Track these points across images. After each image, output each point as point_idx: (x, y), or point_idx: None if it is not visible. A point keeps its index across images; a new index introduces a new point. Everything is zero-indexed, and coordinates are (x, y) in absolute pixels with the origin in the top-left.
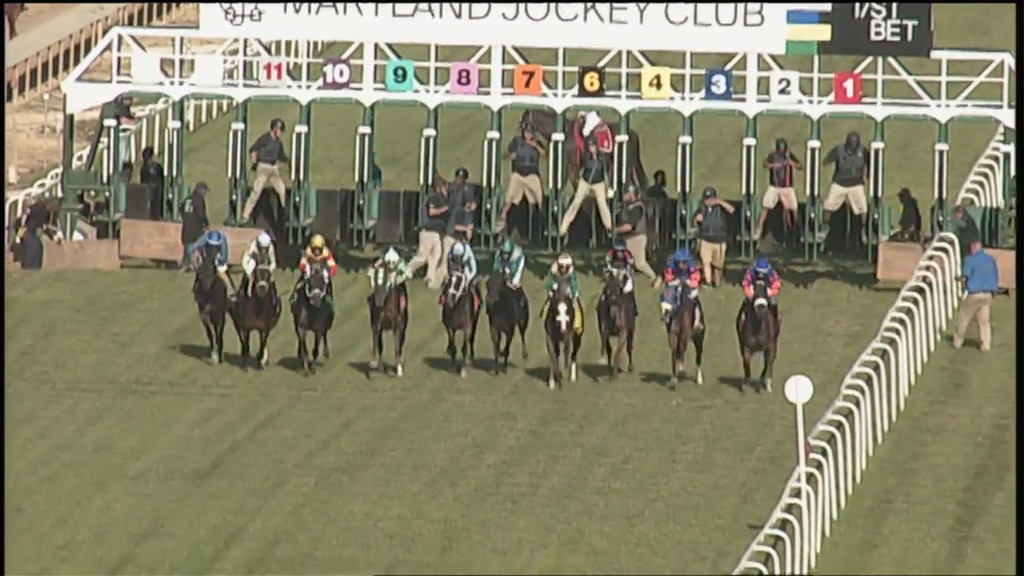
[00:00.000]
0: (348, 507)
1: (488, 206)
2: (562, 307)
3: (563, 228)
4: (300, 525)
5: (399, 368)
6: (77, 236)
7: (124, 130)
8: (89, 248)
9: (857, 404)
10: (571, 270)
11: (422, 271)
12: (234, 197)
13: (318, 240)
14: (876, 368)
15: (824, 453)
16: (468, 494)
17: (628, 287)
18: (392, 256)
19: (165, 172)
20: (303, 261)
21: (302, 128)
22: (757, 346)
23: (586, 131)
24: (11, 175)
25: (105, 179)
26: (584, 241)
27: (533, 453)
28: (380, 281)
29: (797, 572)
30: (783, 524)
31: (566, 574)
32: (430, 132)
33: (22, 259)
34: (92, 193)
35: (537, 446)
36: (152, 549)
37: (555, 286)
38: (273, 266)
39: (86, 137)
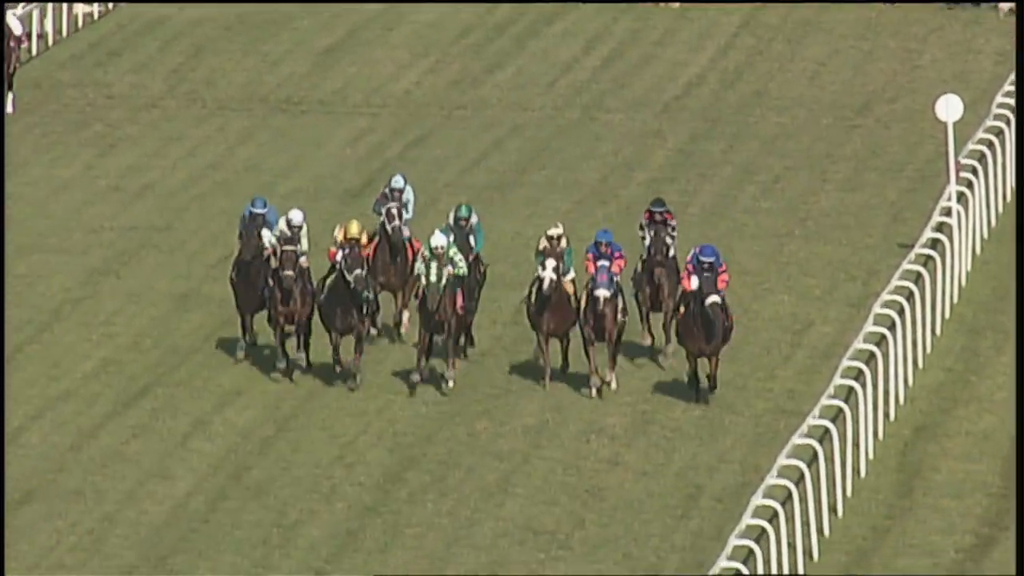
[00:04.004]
0: (499, 225)
1: None
2: (549, 262)
3: None
4: None
5: (451, 378)
6: None
7: None
8: None
9: (1007, 123)
10: (564, 242)
11: None
12: None
13: (355, 227)
14: None
15: (975, 172)
16: (619, 213)
17: (671, 253)
18: (440, 240)
19: None
20: (332, 248)
21: None
22: (703, 353)
23: None
24: None
25: None
26: None
27: (683, 172)
28: (433, 278)
29: (948, 289)
30: (934, 243)
31: None
32: None
33: None
34: None
35: (687, 164)
36: None
37: (545, 263)
38: (305, 246)
39: None
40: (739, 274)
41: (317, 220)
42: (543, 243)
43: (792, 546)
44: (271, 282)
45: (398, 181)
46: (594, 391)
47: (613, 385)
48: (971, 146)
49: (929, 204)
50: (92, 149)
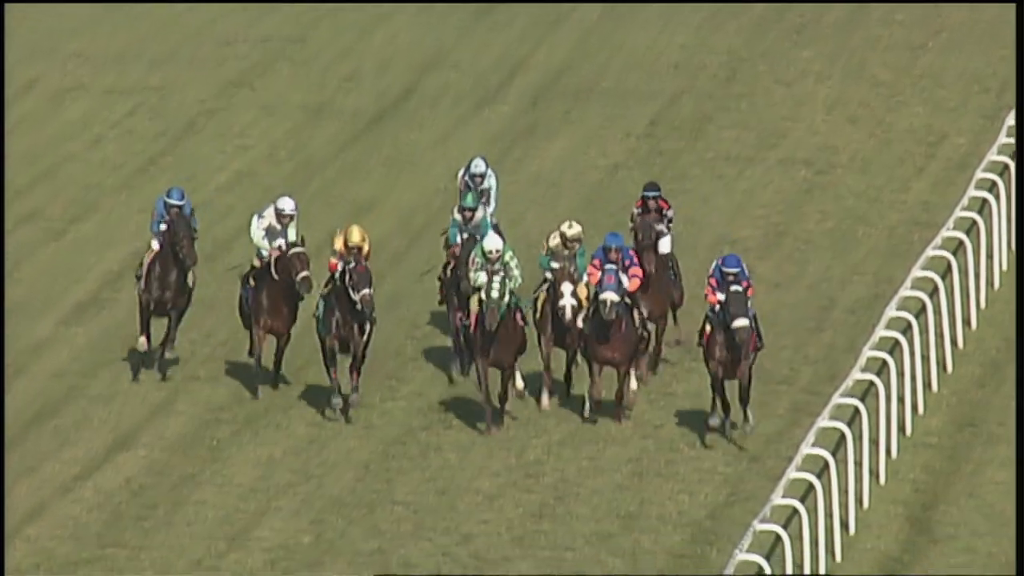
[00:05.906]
0: (632, 37)
1: None
2: (566, 287)
3: None
4: (584, 55)
5: (510, 403)
6: None
7: None
8: None
9: None
10: (578, 245)
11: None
12: None
13: (356, 235)
14: None
15: None
16: (752, 24)
17: (665, 247)
18: (495, 243)
19: None
20: (333, 260)
21: None
22: (731, 376)
23: None
24: None
25: None
26: None
27: None
28: (495, 293)
29: None
30: None
31: (850, 104)
32: None
33: None
34: None
35: None
36: (436, 79)
37: (555, 265)
38: (293, 237)
39: None
40: (873, 86)
41: (450, 31)
42: (555, 240)
43: (926, 358)
44: (253, 283)
45: (479, 165)
46: (587, 412)
47: (633, 385)
48: None
49: None
50: None
